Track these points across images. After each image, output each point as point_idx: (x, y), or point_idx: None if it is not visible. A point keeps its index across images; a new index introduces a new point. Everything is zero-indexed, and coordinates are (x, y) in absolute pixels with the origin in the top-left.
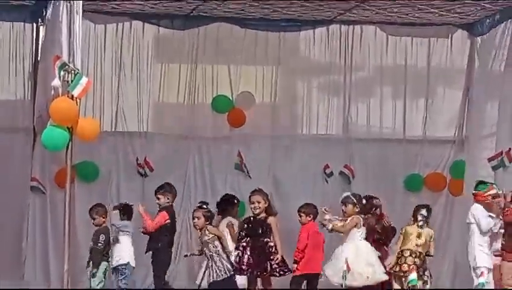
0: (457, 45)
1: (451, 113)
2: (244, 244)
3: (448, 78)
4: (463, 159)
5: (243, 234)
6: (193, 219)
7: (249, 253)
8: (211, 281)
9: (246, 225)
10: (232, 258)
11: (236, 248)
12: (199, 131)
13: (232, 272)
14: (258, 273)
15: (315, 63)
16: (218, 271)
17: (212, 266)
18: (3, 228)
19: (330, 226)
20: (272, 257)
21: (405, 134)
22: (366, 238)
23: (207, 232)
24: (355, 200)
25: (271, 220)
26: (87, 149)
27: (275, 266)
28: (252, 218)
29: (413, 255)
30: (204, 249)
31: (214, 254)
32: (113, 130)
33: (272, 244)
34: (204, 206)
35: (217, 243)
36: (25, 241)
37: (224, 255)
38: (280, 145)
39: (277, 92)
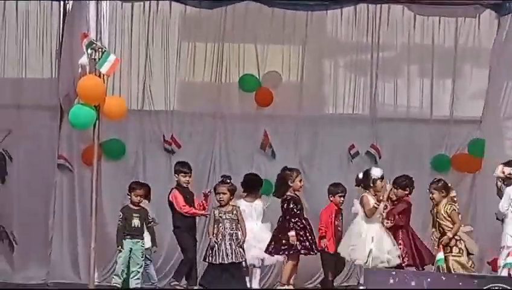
0: (485, 24)
1: (478, 93)
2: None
3: (475, 57)
4: (482, 137)
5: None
6: (217, 193)
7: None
8: (224, 261)
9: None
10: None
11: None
12: (226, 110)
13: (244, 259)
14: None
15: (342, 42)
16: (234, 253)
17: (229, 245)
18: (30, 206)
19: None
20: None
21: (432, 114)
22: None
23: (235, 210)
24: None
25: None
26: (114, 127)
27: None
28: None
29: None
30: (221, 226)
31: (233, 233)
32: (139, 108)
33: None
34: (228, 180)
35: (236, 225)
36: (51, 220)
37: (240, 239)
38: (306, 125)
39: (304, 71)
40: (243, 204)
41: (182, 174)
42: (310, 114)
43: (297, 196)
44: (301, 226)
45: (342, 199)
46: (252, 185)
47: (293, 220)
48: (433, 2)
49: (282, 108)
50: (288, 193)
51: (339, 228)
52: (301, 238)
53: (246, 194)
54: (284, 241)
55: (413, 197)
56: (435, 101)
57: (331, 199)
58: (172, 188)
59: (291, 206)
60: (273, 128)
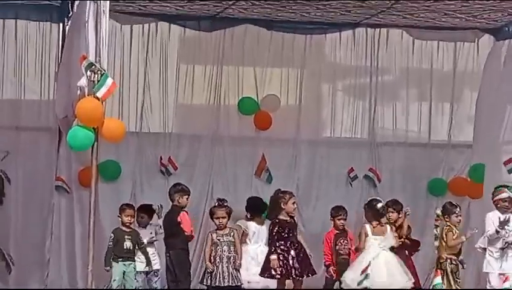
0: (484, 49)
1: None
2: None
3: (474, 82)
4: (482, 162)
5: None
6: (216, 218)
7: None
8: (221, 285)
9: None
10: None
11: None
12: (224, 133)
13: (241, 283)
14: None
15: (340, 65)
16: (231, 276)
17: (226, 269)
18: (28, 227)
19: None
20: None
21: (430, 138)
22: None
23: (232, 232)
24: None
25: None
26: (112, 149)
27: None
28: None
29: None
30: (219, 249)
31: (231, 257)
32: (137, 130)
33: None
34: (225, 203)
35: (234, 248)
36: (49, 241)
37: (237, 263)
38: (305, 148)
39: (302, 95)
40: (252, 226)
41: (186, 196)
42: (309, 137)
43: (291, 218)
44: (284, 249)
45: (342, 221)
46: (259, 208)
47: (277, 244)
48: (431, 26)
49: (280, 131)
50: (280, 216)
51: (341, 252)
52: (280, 263)
53: (251, 217)
54: (266, 264)
55: (412, 220)
56: (433, 125)
57: (331, 222)
58: (180, 210)
59: (276, 229)
60: (272, 151)
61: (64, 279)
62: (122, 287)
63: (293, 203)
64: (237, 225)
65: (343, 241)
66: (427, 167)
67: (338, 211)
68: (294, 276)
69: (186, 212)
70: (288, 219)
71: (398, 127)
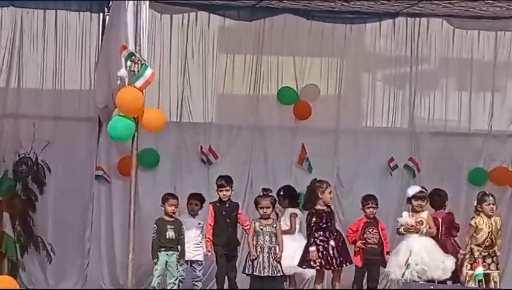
0: None
1: None
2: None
3: None
4: None
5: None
6: (261, 208)
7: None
8: (260, 274)
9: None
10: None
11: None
12: (264, 122)
13: (281, 274)
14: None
15: (380, 55)
16: (271, 266)
17: (266, 259)
18: (68, 217)
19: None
20: None
21: (470, 127)
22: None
23: (275, 224)
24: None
25: None
26: (152, 139)
27: None
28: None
29: None
30: (261, 239)
31: (272, 247)
32: (178, 120)
33: None
34: (270, 193)
35: (275, 239)
36: (89, 231)
37: (278, 254)
38: (345, 138)
39: (342, 84)
40: (300, 214)
41: (220, 188)
42: (348, 127)
43: (328, 208)
44: (324, 240)
45: (371, 210)
46: (296, 197)
47: (315, 235)
48: (472, 15)
49: (320, 121)
50: (317, 206)
51: (369, 241)
52: (320, 254)
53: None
54: (306, 255)
55: (452, 210)
56: (473, 115)
57: (362, 211)
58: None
59: (314, 220)
60: (311, 141)
61: (104, 269)
62: (165, 277)
63: (330, 192)
64: (293, 213)
65: (372, 231)
66: (467, 157)
67: (368, 200)
68: (335, 266)
69: (211, 204)
70: (325, 208)
71: (438, 116)
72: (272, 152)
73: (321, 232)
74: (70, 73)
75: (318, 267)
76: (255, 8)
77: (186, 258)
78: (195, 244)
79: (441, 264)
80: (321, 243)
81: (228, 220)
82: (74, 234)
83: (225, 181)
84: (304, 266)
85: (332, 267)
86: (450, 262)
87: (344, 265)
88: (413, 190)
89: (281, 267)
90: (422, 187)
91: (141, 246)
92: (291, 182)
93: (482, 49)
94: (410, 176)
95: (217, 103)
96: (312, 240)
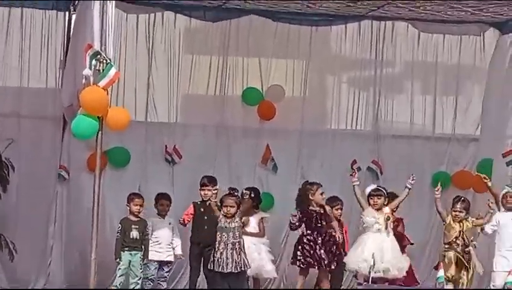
0: (489, 42)
1: (479, 112)
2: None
3: (479, 75)
4: (491, 157)
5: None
6: (225, 206)
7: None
8: (223, 270)
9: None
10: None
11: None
12: (229, 122)
13: (248, 267)
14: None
15: (346, 58)
16: (237, 261)
17: (231, 254)
18: (31, 215)
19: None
20: None
21: (434, 131)
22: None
23: (237, 218)
24: (385, 193)
25: None
26: (118, 137)
27: None
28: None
29: None
30: (224, 235)
31: (236, 242)
32: (143, 120)
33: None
34: (236, 193)
35: (239, 234)
36: (52, 229)
37: (243, 248)
38: (309, 140)
39: (307, 86)
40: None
41: (202, 187)
42: (313, 129)
43: (322, 209)
44: (312, 240)
45: (339, 211)
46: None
47: (304, 233)
48: (437, 19)
49: (284, 122)
50: (310, 207)
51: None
52: (306, 253)
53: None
54: (294, 252)
55: (415, 212)
56: (437, 118)
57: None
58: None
59: (304, 220)
60: (276, 142)
61: (66, 267)
62: (128, 276)
63: (321, 193)
64: (264, 217)
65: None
66: (430, 160)
67: (335, 201)
68: (320, 266)
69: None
70: (318, 209)
71: (402, 119)
72: (236, 152)
73: (309, 231)
74: (35, 71)
75: (303, 266)
76: (221, 8)
77: (157, 259)
78: (167, 244)
79: (399, 264)
80: (308, 243)
81: (206, 218)
82: (37, 233)
83: (208, 180)
84: (291, 263)
85: (319, 266)
86: (406, 262)
87: (332, 266)
88: (369, 189)
89: (245, 263)
90: (379, 186)
91: (104, 246)
92: (255, 183)
93: (447, 53)
94: (373, 178)
95: (182, 102)
96: (301, 238)
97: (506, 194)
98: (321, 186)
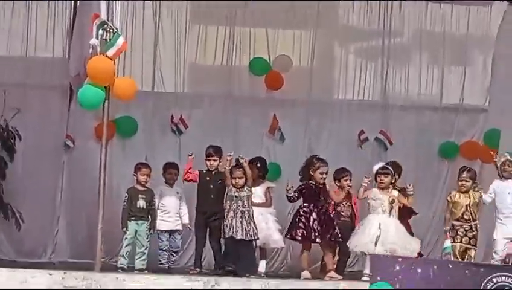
0: (497, 13)
1: (488, 82)
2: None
3: (486, 46)
4: (498, 127)
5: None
6: (233, 178)
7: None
8: (237, 237)
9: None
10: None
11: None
12: (236, 93)
13: (257, 237)
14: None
15: (353, 28)
16: (247, 229)
17: (240, 222)
18: (38, 185)
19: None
20: None
21: (442, 102)
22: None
23: (246, 188)
24: (393, 171)
25: None
26: (125, 107)
27: None
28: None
29: None
30: (234, 203)
31: (245, 211)
32: (150, 90)
33: None
34: (244, 163)
35: (250, 202)
36: (59, 199)
37: (253, 218)
38: (316, 110)
39: (314, 56)
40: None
41: (207, 158)
42: (320, 99)
43: (321, 184)
44: (308, 212)
45: (348, 182)
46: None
47: (300, 205)
48: None
49: (292, 92)
50: (311, 181)
51: (342, 214)
52: (301, 225)
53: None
54: (290, 225)
55: (422, 183)
56: (444, 89)
57: (337, 184)
58: None
59: (302, 192)
60: (283, 112)
61: (73, 237)
62: (134, 246)
63: (322, 173)
64: (270, 187)
65: (346, 204)
66: (438, 131)
67: (343, 172)
68: (313, 239)
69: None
70: (317, 183)
71: (410, 90)
72: (243, 122)
73: (306, 204)
74: (42, 40)
75: (299, 238)
76: None
77: (167, 228)
78: (176, 213)
79: (408, 245)
80: (304, 215)
81: (211, 187)
82: (44, 202)
83: (213, 151)
84: (287, 236)
85: (312, 240)
86: (416, 244)
87: (327, 239)
88: (376, 167)
89: (254, 232)
90: (388, 163)
91: (111, 215)
92: (262, 152)
93: (455, 24)
94: (381, 149)
95: (189, 72)
96: (298, 210)
97: (504, 162)
98: (326, 165)
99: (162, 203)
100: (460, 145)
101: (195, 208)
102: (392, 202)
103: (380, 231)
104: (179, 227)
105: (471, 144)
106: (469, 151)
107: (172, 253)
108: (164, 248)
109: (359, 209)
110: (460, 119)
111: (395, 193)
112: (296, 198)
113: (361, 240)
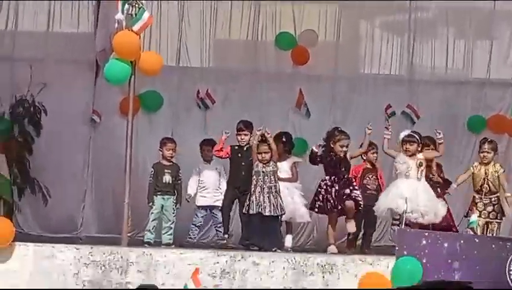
0: None
1: None
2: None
3: None
4: None
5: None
6: (259, 153)
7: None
8: (265, 213)
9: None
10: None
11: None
12: (262, 68)
13: (284, 212)
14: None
15: (379, 2)
16: (275, 205)
17: (268, 198)
18: (65, 160)
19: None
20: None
21: (469, 76)
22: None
23: (272, 163)
24: (419, 139)
25: None
26: (151, 82)
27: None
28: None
29: None
30: (260, 179)
31: (272, 186)
32: (176, 64)
33: None
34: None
35: (276, 177)
36: (86, 174)
37: (279, 193)
38: (342, 84)
39: (340, 31)
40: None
41: (238, 132)
42: (346, 74)
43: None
44: (328, 185)
45: (375, 155)
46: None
47: (323, 178)
48: None
49: (318, 67)
50: (331, 152)
51: (368, 187)
52: (321, 197)
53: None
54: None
55: (449, 157)
56: (472, 63)
57: (363, 157)
58: None
59: (324, 163)
60: (309, 87)
61: (100, 212)
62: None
63: (342, 146)
64: (296, 162)
65: (372, 177)
66: (465, 105)
67: (369, 145)
68: (330, 209)
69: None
70: (339, 154)
71: (437, 64)
72: (269, 98)
73: (328, 177)
74: (68, 16)
75: (316, 211)
76: None
77: (204, 204)
78: (215, 189)
79: (436, 209)
80: (324, 187)
81: (243, 164)
82: (70, 177)
83: (244, 125)
84: (309, 208)
85: (328, 210)
86: (443, 208)
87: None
88: (403, 134)
89: (281, 207)
90: (413, 132)
91: (137, 190)
92: (288, 128)
93: None
94: (408, 123)
95: (214, 47)
96: (319, 183)
97: None
98: (347, 138)
99: (201, 180)
100: (487, 119)
101: (226, 182)
102: (420, 165)
103: (407, 198)
104: (218, 203)
105: (499, 118)
106: (496, 125)
107: (217, 229)
108: (197, 224)
109: (385, 183)
110: (488, 94)
111: (421, 155)
112: (317, 161)
113: (389, 197)
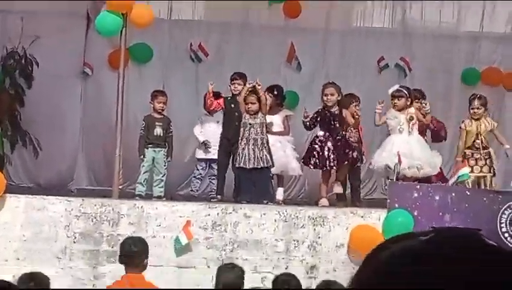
0: None
1: (510, 9)
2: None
3: None
4: None
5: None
6: (246, 103)
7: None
8: (248, 166)
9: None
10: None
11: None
12: (254, 20)
13: (271, 164)
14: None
15: None
16: (259, 157)
17: (253, 150)
18: (56, 112)
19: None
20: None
21: (462, 29)
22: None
23: (260, 114)
24: (407, 94)
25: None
26: (142, 35)
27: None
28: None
29: None
30: (247, 130)
31: (258, 138)
32: (168, 17)
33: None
34: (259, 88)
35: (264, 129)
36: (78, 126)
37: (267, 145)
38: (334, 37)
39: None
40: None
41: (231, 81)
42: (338, 27)
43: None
44: (323, 140)
45: (357, 108)
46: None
47: (317, 134)
48: None
49: (310, 20)
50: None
51: (351, 139)
52: (315, 153)
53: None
54: (306, 153)
55: (443, 110)
56: (466, 16)
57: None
58: None
59: (318, 119)
60: (301, 40)
61: (92, 164)
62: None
63: (326, 94)
64: (288, 115)
65: (353, 129)
66: (459, 58)
67: (353, 97)
68: (327, 167)
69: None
70: (333, 109)
71: (430, 17)
72: (261, 50)
73: (322, 133)
74: None
75: (312, 167)
76: None
77: (204, 157)
78: (215, 142)
79: (431, 161)
80: (319, 143)
81: (236, 114)
82: (62, 129)
83: (238, 75)
84: (302, 162)
85: (325, 168)
86: (438, 158)
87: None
88: (391, 90)
89: (266, 160)
90: (401, 87)
91: (128, 143)
92: (279, 81)
93: None
94: (401, 76)
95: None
96: (314, 138)
97: None
98: (333, 86)
99: (202, 132)
100: (482, 71)
101: (219, 134)
102: (411, 119)
103: (399, 151)
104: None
105: (493, 70)
106: (491, 77)
107: (211, 181)
108: (198, 177)
109: (364, 135)
110: (482, 46)
111: (412, 110)
112: (312, 126)
113: (383, 155)
